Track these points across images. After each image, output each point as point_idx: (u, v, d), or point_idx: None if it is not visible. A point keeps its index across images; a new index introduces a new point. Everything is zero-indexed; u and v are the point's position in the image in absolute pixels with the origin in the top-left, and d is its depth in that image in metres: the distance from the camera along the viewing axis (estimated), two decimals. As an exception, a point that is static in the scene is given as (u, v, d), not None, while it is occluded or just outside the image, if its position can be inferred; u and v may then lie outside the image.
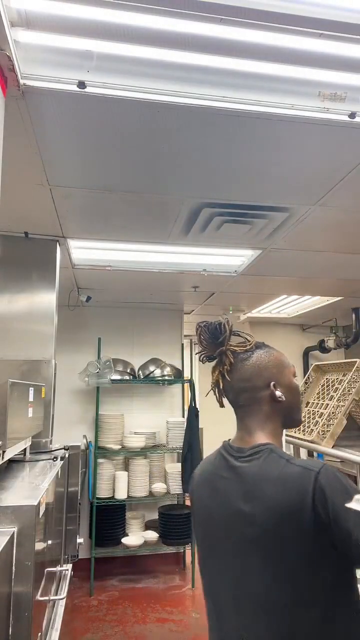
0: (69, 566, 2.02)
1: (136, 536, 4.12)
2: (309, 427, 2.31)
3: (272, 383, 1.10)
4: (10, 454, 1.49)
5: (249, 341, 1.15)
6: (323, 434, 2.11)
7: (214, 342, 1.13)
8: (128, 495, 4.10)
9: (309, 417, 2.39)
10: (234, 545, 0.99)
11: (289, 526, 0.91)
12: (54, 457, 1.97)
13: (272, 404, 1.10)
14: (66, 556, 2.24)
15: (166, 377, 4.35)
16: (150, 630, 3.25)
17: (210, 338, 1.13)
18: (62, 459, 2.01)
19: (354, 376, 2.17)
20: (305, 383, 2.60)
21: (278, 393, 1.09)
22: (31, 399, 1.78)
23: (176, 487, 4.18)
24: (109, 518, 4.07)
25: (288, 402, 1.12)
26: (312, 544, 0.90)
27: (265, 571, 0.93)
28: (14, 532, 1.15)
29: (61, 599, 1.73)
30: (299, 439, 2.30)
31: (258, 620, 0.94)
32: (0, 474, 1.62)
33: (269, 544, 0.93)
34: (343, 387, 2.17)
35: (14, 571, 1.14)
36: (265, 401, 1.10)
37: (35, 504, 1.21)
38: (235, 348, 1.13)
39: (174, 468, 4.28)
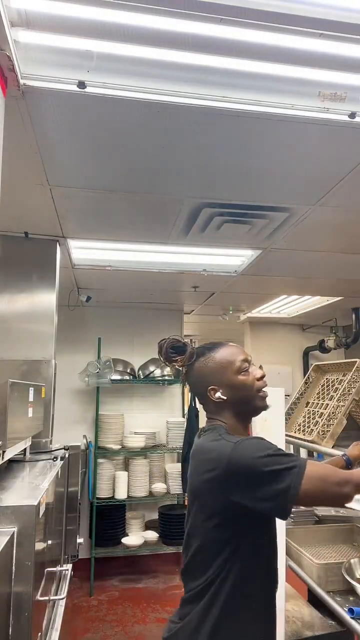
0: (69, 566, 2.02)
1: (136, 536, 4.12)
2: (309, 427, 2.31)
3: (208, 388, 1.29)
4: (10, 454, 1.49)
5: (189, 353, 1.32)
6: (323, 434, 2.11)
7: (167, 358, 1.35)
8: (128, 495, 4.10)
9: (309, 417, 2.39)
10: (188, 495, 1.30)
11: (205, 484, 1.17)
12: (54, 457, 1.97)
13: (217, 403, 1.29)
14: (66, 556, 2.24)
15: (166, 377, 4.35)
16: (150, 630, 3.25)
17: (163, 356, 1.35)
18: (62, 459, 2.01)
19: (354, 376, 2.17)
20: (305, 383, 2.60)
21: (217, 395, 1.28)
22: (31, 399, 1.78)
23: (176, 487, 4.18)
24: (109, 518, 4.07)
25: (232, 398, 1.28)
26: (222, 500, 1.13)
27: (195, 515, 1.23)
28: (14, 532, 1.15)
29: (61, 599, 1.73)
30: (298, 439, 2.30)
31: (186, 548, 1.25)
32: (0, 474, 1.62)
33: (194, 496, 1.24)
34: (343, 387, 2.17)
35: (14, 571, 1.14)
36: (210, 401, 1.30)
37: (35, 504, 1.21)
38: (177, 364, 1.33)
39: (174, 468, 4.28)
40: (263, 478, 1.07)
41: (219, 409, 1.30)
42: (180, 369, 1.36)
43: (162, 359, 1.35)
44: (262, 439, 1.18)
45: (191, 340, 6.57)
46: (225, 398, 1.27)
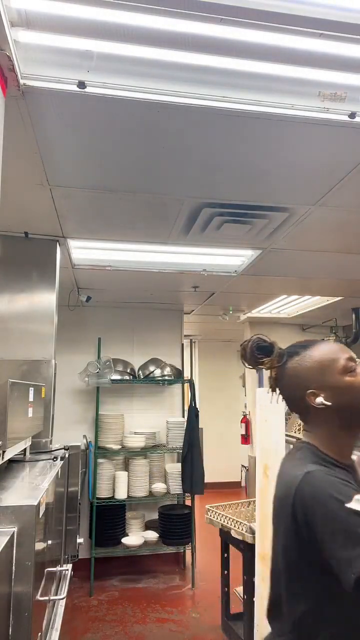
0: (69, 566, 2.02)
1: (136, 536, 4.12)
2: (309, 427, 2.31)
3: (307, 392, 1.08)
4: (10, 454, 1.49)
5: (277, 353, 1.14)
6: (323, 434, 2.11)
7: (253, 361, 1.17)
8: (128, 495, 4.10)
9: (309, 417, 2.39)
10: None
11: (281, 513, 1.02)
12: (54, 457, 1.97)
13: (318, 411, 1.07)
14: (66, 556, 2.24)
15: (166, 377, 4.35)
16: (150, 630, 3.25)
17: (243, 358, 1.18)
18: (62, 459, 2.01)
19: (354, 376, 2.17)
20: (305, 383, 2.60)
21: (319, 401, 1.06)
22: (31, 399, 1.78)
23: (176, 487, 4.18)
24: (109, 518, 4.07)
25: (338, 404, 1.05)
26: (295, 535, 0.98)
27: (277, 542, 1.07)
28: (14, 532, 1.15)
29: (61, 599, 1.73)
30: (299, 439, 2.30)
31: (272, 580, 1.09)
32: (0, 474, 1.62)
33: (274, 523, 1.08)
34: (343, 387, 2.17)
35: (14, 571, 1.13)
36: (310, 409, 1.09)
37: (35, 504, 1.21)
38: (263, 366, 1.15)
39: (174, 468, 4.28)
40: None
41: (320, 419, 1.09)
42: (269, 372, 1.16)
43: (245, 362, 1.18)
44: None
45: (191, 340, 6.56)
46: (329, 404, 1.05)
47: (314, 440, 1.10)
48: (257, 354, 1.15)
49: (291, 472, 1.03)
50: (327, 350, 1.11)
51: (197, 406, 4.33)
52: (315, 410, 1.07)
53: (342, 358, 1.08)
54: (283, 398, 1.16)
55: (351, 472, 1.07)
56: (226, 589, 3.15)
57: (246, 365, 1.19)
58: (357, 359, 1.10)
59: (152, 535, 4.13)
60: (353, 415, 1.06)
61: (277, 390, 1.16)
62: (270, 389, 1.15)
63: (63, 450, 2.19)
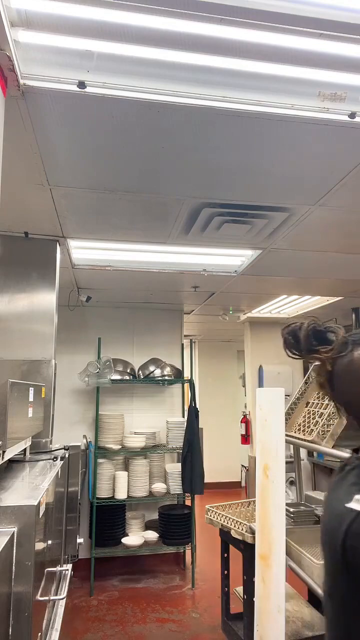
0: (69, 566, 2.02)
1: (136, 536, 4.12)
2: (309, 427, 2.31)
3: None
4: (10, 454, 1.49)
5: (333, 342, 0.93)
6: (323, 434, 2.11)
7: (296, 351, 0.97)
8: (128, 495, 4.10)
9: (309, 417, 2.39)
10: None
11: (329, 548, 0.88)
12: (54, 457, 1.97)
13: None
14: (66, 556, 2.24)
15: (166, 377, 4.35)
16: (150, 630, 3.25)
17: (292, 347, 0.97)
18: (62, 459, 2.01)
19: (354, 376, 2.17)
20: (306, 383, 2.60)
21: None
22: (31, 399, 1.78)
23: (176, 487, 4.18)
24: (109, 518, 4.07)
25: None
26: (343, 576, 0.86)
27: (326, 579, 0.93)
28: (14, 532, 1.15)
29: (61, 599, 1.73)
30: (299, 439, 2.30)
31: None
32: (0, 474, 1.62)
33: (324, 555, 0.92)
34: (343, 387, 2.17)
35: (14, 571, 1.13)
36: None
37: (35, 504, 1.21)
38: (321, 356, 0.94)
39: (174, 468, 4.28)
40: None
41: None
42: (321, 366, 0.95)
43: (293, 351, 0.97)
44: None
45: (191, 340, 6.55)
46: None
47: None
48: (314, 341, 0.93)
49: (341, 503, 0.86)
50: None
51: (197, 406, 4.33)
52: None
53: None
54: (335, 399, 0.96)
55: None
56: (226, 589, 3.15)
57: (293, 355, 0.97)
58: None
59: (152, 535, 4.13)
60: None
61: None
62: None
63: (63, 450, 2.19)
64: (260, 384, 5.20)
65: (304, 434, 2.27)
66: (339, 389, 0.93)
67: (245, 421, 5.54)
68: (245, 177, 1.90)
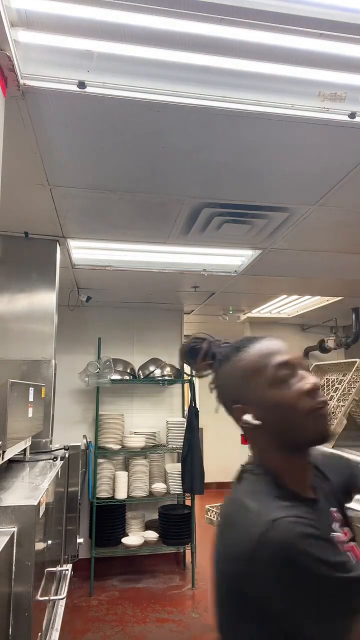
0: (69, 566, 2.02)
1: (136, 536, 4.12)
2: (309, 427, 2.31)
3: (233, 407, 0.88)
4: (10, 454, 1.49)
5: (203, 357, 0.94)
6: (323, 434, 2.11)
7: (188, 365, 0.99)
8: (128, 495, 4.10)
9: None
10: None
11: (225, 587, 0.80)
12: (54, 457, 1.97)
13: (249, 431, 0.88)
14: (66, 556, 2.24)
15: (166, 377, 4.35)
16: (150, 630, 3.25)
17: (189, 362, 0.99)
18: (62, 459, 2.01)
19: (354, 376, 2.17)
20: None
21: (245, 418, 0.85)
22: (31, 399, 1.78)
23: (176, 487, 4.18)
24: (109, 518, 4.07)
25: (268, 424, 0.84)
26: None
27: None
28: (14, 532, 1.15)
29: (61, 599, 1.73)
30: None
31: None
32: (0, 474, 1.62)
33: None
34: (343, 387, 2.18)
35: (14, 571, 1.14)
36: (244, 427, 0.88)
37: (35, 504, 1.21)
38: (198, 375, 0.97)
39: (174, 468, 4.28)
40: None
41: (255, 440, 0.89)
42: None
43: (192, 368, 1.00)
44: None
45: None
46: (258, 423, 0.84)
47: (269, 466, 0.85)
48: (188, 357, 0.96)
49: (242, 522, 0.76)
50: (257, 353, 0.87)
51: (197, 406, 4.33)
52: (249, 430, 0.87)
53: (270, 364, 0.85)
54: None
55: (316, 510, 0.83)
56: (226, 589, 3.15)
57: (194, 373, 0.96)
58: (296, 362, 0.86)
59: (152, 535, 4.13)
60: (287, 437, 0.83)
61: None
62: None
63: (63, 450, 2.19)
64: (260, 384, 5.19)
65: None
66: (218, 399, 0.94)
67: (245, 421, 5.52)
68: (245, 177, 1.90)
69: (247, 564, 0.72)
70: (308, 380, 0.83)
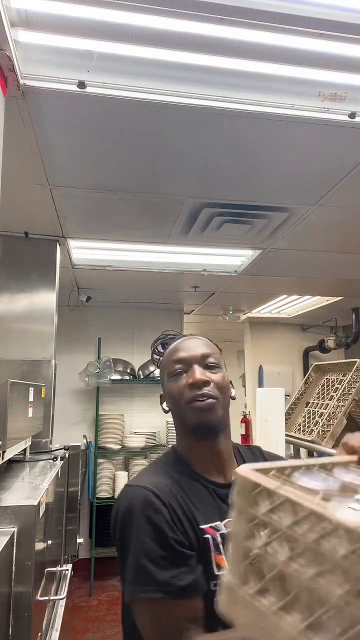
0: (69, 566, 2.02)
1: (136, 536, 4.11)
2: (309, 427, 2.31)
3: (160, 395, 1.07)
4: (10, 454, 1.49)
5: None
6: (323, 434, 2.11)
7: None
8: (128, 495, 4.09)
9: (309, 417, 2.39)
10: None
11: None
12: (54, 457, 1.97)
13: (170, 415, 1.03)
14: (66, 556, 2.24)
15: (166, 377, 4.35)
16: (150, 630, 3.25)
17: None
18: (62, 459, 2.01)
19: (354, 376, 2.17)
20: (305, 383, 2.60)
21: (163, 405, 1.04)
22: (31, 399, 1.78)
23: (176, 487, 4.18)
24: (109, 518, 4.05)
25: (172, 410, 1.00)
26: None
27: None
28: (14, 532, 1.15)
29: (61, 599, 1.73)
30: (299, 439, 2.30)
31: None
32: (0, 474, 1.62)
33: None
34: (343, 387, 2.18)
35: (14, 571, 1.14)
36: (164, 412, 1.06)
37: (35, 504, 1.21)
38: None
39: (174, 468, 4.27)
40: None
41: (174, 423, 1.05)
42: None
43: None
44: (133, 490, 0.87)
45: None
46: (167, 409, 1.02)
47: (177, 446, 1.02)
48: (154, 354, 1.11)
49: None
50: (168, 350, 1.04)
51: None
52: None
53: (169, 360, 1.01)
54: None
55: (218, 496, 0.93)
56: (226, 589, 3.14)
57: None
58: (189, 359, 0.98)
59: (152, 535, 4.13)
60: (179, 423, 0.98)
61: None
62: None
63: (63, 450, 2.19)
64: (260, 384, 5.20)
65: (304, 434, 2.28)
66: None
67: (245, 421, 5.53)
68: (245, 177, 1.90)
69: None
70: (193, 376, 0.94)
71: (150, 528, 0.81)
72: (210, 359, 0.98)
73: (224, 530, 0.87)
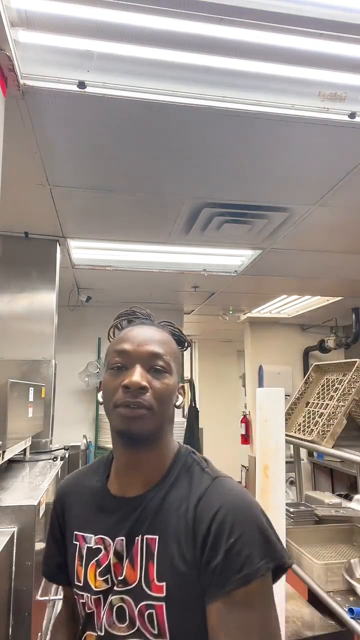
0: (69, 566, 2.01)
1: (136, 536, 4.11)
2: (309, 427, 2.31)
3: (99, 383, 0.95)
4: (10, 454, 1.49)
5: None
6: (323, 434, 2.11)
7: None
8: (128, 495, 4.09)
9: (309, 417, 2.39)
10: None
11: None
12: (54, 457, 1.97)
13: None
14: (66, 556, 2.24)
15: (166, 377, 4.35)
16: (150, 630, 3.25)
17: None
18: (62, 459, 2.01)
19: (354, 376, 2.17)
20: (305, 383, 2.60)
21: (98, 396, 1.00)
22: (31, 399, 1.78)
23: (176, 487, 4.18)
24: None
25: (103, 405, 0.85)
26: None
27: None
28: (14, 532, 1.15)
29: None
30: (299, 439, 2.30)
31: None
32: (0, 474, 1.62)
33: None
34: (343, 387, 2.18)
35: (14, 571, 1.14)
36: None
37: (35, 504, 1.21)
38: None
39: (174, 468, 4.27)
40: None
41: None
42: None
43: None
44: None
45: (191, 340, 6.52)
46: (101, 400, 0.86)
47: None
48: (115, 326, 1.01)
49: None
50: (118, 336, 0.89)
51: (197, 406, 4.33)
52: None
53: (113, 350, 0.85)
54: None
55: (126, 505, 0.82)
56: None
57: None
58: (131, 351, 0.82)
59: (152, 535, 4.13)
60: (110, 425, 0.82)
61: None
62: None
63: (63, 450, 2.19)
64: (260, 384, 5.20)
65: (304, 434, 2.28)
66: None
67: (245, 421, 5.54)
68: (245, 177, 1.90)
69: None
70: (130, 377, 0.79)
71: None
72: (159, 362, 0.82)
73: (92, 545, 0.82)
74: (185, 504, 0.78)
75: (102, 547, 0.80)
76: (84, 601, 0.81)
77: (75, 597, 0.83)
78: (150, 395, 0.79)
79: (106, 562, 0.79)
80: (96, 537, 0.82)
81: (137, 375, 0.79)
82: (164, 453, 0.85)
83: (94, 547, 0.81)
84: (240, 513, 0.74)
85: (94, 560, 0.81)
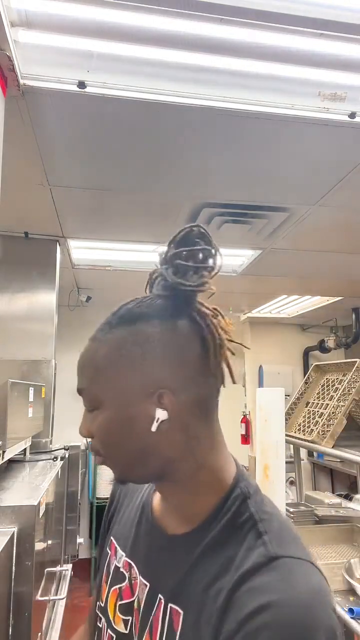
0: (69, 566, 2.02)
1: (136, 536, 4.11)
2: (309, 427, 2.31)
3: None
4: (10, 454, 1.49)
5: None
6: (323, 434, 2.11)
7: None
8: (128, 495, 4.09)
9: (309, 417, 2.39)
10: None
11: None
12: (54, 457, 1.98)
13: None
14: (66, 556, 2.24)
15: (166, 377, 4.34)
16: (150, 630, 3.25)
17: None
18: (62, 459, 2.01)
19: (354, 376, 2.17)
20: (306, 383, 2.60)
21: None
22: (31, 399, 1.78)
23: (176, 487, 4.18)
24: (109, 518, 4.07)
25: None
26: None
27: None
28: (14, 532, 1.15)
29: (61, 599, 1.73)
30: (299, 438, 2.30)
31: None
32: (0, 474, 1.62)
33: None
34: (343, 387, 2.18)
35: (14, 571, 1.14)
36: None
37: (35, 504, 1.21)
38: None
39: (174, 468, 4.27)
40: None
41: None
42: None
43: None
44: None
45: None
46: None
47: None
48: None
49: None
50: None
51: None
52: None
53: None
54: None
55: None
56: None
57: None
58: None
59: (152, 535, 4.12)
60: None
61: None
62: None
63: (63, 450, 2.19)
64: (260, 384, 5.20)
65: (304, 434, 2.28)
66: None
67: (245, 421, 5.54)
68: (245, 177, 1.90)
69: None
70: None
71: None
72: (85, 400, 0.72)
73: (120, 565, 0.70)
74: (220, 582, 0.56)
75: (127, 574, 0.68)
76: (100, 626, 0.70)
77: (97, 611, 0.72)
78: (96, 440, 0.67)
79: (129, 600, 0.66)
80: (125, 558, 0.70)
81: (83, 418, 0.72)
82: (193, 489, 0.65)
83: (120, 569, 0.69)
84: (287, 635, 0.48)
85: (116, 587, 0.69)
